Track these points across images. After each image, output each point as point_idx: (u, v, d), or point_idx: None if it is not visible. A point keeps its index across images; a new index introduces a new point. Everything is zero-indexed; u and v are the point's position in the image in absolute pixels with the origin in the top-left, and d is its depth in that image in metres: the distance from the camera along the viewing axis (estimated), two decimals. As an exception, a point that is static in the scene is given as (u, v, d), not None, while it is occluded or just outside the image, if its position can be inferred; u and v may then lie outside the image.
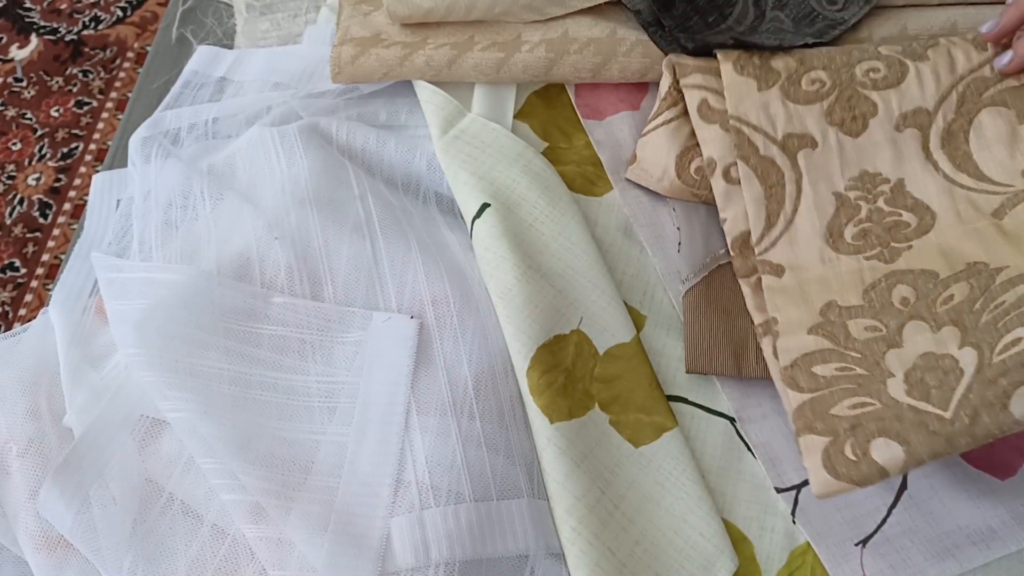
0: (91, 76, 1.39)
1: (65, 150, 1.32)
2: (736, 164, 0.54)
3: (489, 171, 0.57)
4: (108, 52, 1.42)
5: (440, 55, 0.60)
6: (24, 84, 1.39)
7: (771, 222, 0.53)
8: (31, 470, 0.49)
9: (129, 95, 1.10)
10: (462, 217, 0.60)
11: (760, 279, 0.52)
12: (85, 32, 1.44)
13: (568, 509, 0.47)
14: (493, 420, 0.49)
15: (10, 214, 1.26)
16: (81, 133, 1.34)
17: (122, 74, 1.39)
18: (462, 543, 0.44)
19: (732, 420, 0.52)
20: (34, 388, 0.52)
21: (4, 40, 1.44)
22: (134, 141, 0.63)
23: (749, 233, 0.53)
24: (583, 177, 0.59)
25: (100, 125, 1.34)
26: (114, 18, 1.45)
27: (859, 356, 0.47)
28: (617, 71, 0.59)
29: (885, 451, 0.43)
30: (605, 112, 0.62)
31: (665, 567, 0.47)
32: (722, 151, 0.54)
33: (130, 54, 1.42)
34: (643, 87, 0.63)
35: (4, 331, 1.04)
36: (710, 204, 0.57)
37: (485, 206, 0.55)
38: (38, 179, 1.29)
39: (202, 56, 0.71)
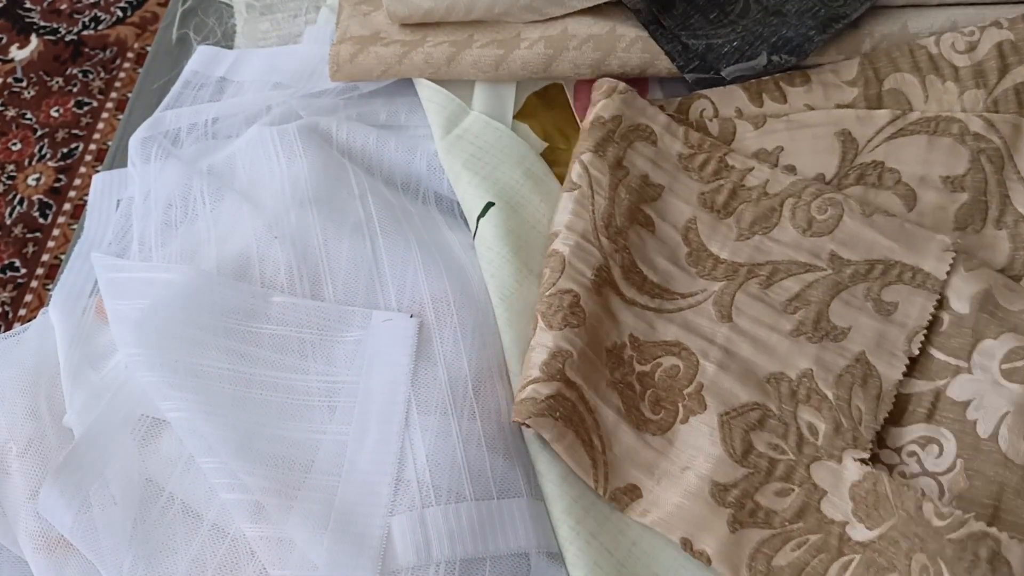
0: (91, 76, 1.39)
1: (65, 150, 1.32)
2: None
3: (492, 171, 0.57)
4: (108, 52, 1.42)
5: (439, 52, 0.60)
6: (24, 84, 1.39)
7: None
8: (31, 470, 0.49)
9: (129, 95, 1.10)
10: (462, 217, 0.59)
11: None
12: (85, 32, 1.44)
13: (566, 509, 0.47)
14: (492, 420, 0.49)
15: (10, 214, 1.26)
16: (81, 133, 1.33)
17: (122, 74, 1.39)
18: (463, 541, 0.44)
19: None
20: (34, 388, 0.52)
21: (4, 40, 1.44)
22: (134, 141, 0.63)
23: None
24: (582, 178, 0.59)
25: (100, 125, 1.34)
26: (114, 18, 1.45)
27: None
28: (617, 66, 0.59)
29: None
30: (603, 114, 0.62)
31: (664, 568, 0.47)
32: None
33: (130, 54, 1.42)
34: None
35: (4, 331, 1.04)
36: None
37: (490, 205, 0.55)
38: (38, 179, 1.29)
39: (202, 56, 0.71)
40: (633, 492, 0.48)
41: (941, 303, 0.51)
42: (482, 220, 0.55)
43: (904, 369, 0.50)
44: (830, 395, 0.49)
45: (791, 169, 0.57)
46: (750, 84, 0.59)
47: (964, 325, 0.51)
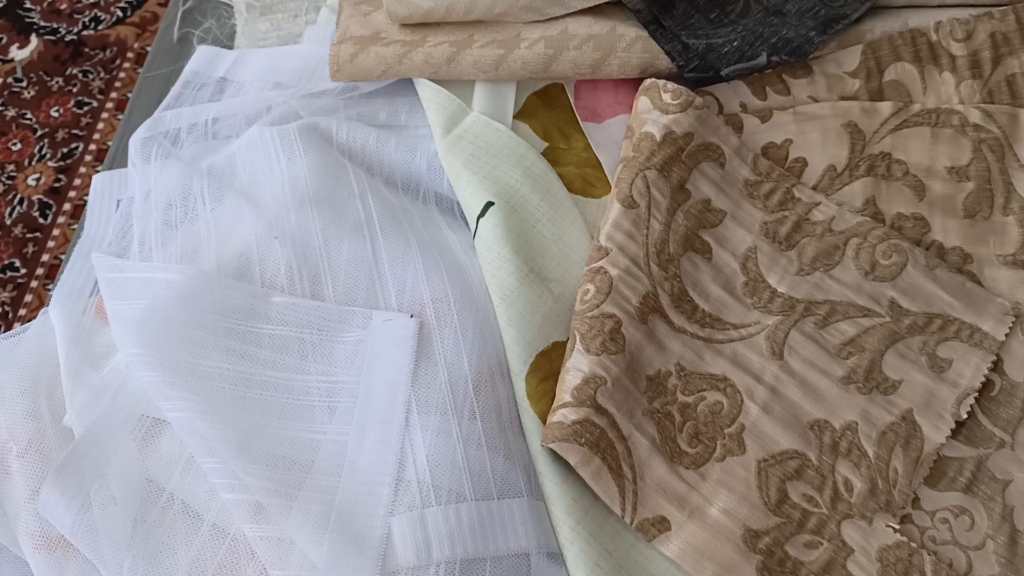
0: (91, 76, 1.39)
1: (65, 150, 1.32)
2: None
3: (492, 171, 0.57)
4: (108, 52, 1.42)
5: (439, 52, 0.60)
6: (24, 84, 1.39)
7: None
8: (31, 470, 0.49)
9: (129, 95, 1.10)
10: (462, 217, 0.60)
11: None
12: (85, 32, 1.44)
13: (566, 509, 0.47)
14: (492, 420, 0.49)
15: (10, 214, 1.26)
16: (81, 133, 1.34)
17: (122, 74, 1.39)
18: (463, 542, 0.45)
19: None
20: (34, 388, 0.52)
21: (4, 40, 1.44)
22: (134, 141, 0.63)
23: None
24: (582, 179, 0.59)
25: (100, 125, 1.34)
26: (114, 18, 1.45)
27: None
28: (617, 66, 0.59)
29: None
30: (603, 115, 0.62)
31: (662, 569, 0.47)
32: None
33: (130, 54, 1.42)
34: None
35: (4, 331, 1.04)
36: None
37: (489, 204, 0.55)
38: (38, 179, 1.29)
39: (202, 56, 0.71)
40: (662, 524, 0.47)
41: (996, 365, 0.51)
42: (482, 220, 0.55)
43: (948, 433, 0.50)
44: (871, 453, 0.49)
45: (801, 161, 0.57)
46: (753, 78, 0.59)
47: (1016, 395, 0.50)
